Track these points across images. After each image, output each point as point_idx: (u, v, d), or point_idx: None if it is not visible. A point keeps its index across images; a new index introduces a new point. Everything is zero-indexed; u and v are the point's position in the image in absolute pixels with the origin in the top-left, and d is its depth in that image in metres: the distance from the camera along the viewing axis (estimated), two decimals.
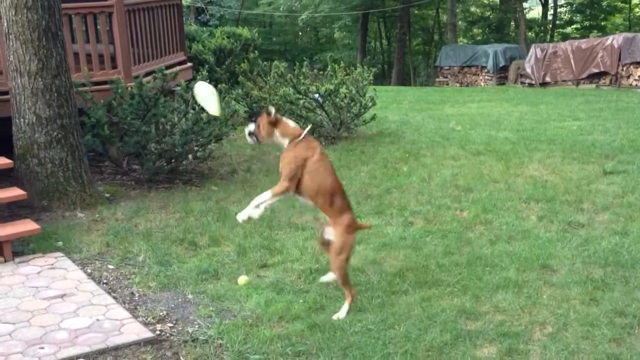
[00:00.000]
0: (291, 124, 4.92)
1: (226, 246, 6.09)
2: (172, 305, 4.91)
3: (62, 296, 4.89)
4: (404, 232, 6.37)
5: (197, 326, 4.57)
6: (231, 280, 5.33)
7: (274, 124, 4.81)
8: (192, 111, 8.13)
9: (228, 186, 8.17)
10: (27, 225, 5.80)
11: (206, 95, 5.03)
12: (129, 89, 8.06)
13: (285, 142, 4.85)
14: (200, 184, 8.25)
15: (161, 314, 4.75)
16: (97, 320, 4.52)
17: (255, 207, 4.86)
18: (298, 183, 4.79)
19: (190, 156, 8.44)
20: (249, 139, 4.96)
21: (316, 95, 10.74)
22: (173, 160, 8.18)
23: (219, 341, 4.35)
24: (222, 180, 8.47)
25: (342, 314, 4.70)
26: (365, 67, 11.60)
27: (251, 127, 4.91)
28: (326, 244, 4.93)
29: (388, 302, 4.91)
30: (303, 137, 4.81)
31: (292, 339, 4.36)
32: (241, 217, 4.89)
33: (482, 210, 6.90)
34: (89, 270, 5.49)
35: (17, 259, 5.58)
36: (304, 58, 12.98)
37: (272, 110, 4.82)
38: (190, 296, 5.07)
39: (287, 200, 7.45)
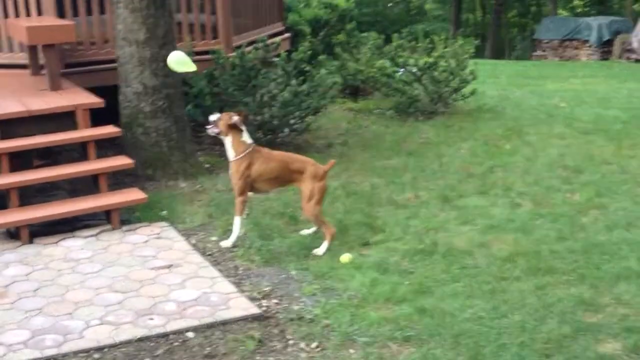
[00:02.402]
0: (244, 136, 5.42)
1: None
2: (276, 281, 4.86)
3: (169, 267, 4.92)
4: (511, 214, 6.11)
5: (302, 304, 4.50)
6: (333, 257, 5.23)
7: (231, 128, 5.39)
8: (292, 82, 8.03)
9: (325, 160, 7.95)
10: (134, 194, 5.87)
11: (177, 59, 5.36)
12: (230, 59, 8.04)
13: (231, 153, 5.42)
14: None
15: (266, 289, 4.71)
16: (204, 293, 4.52)
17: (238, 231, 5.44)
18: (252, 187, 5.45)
19: (287, 129, 8.37)
20: (209, 129, 5.50)
21: (402, 70, 10.48)
22: (271, 133, 8.13)
23: (326, 321, 4.27)
24: (319, 154, 8.35)
25: (320, 250, 5.24)
26: (466, 39, 11.19)
27: (215, 116, 5.48)
28: None
29: (499, 288, 4.69)
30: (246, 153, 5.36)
31: (400, 323, 4.23)
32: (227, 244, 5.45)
33: (595, 194, 6.53)
34: (193, 242, 5.51)
35: (124, 227, 5.66)
36: (400, 30, 12.64)
37: (235, 118, 5.38)
38: (293, 272, 5.00)
39: (387, 175, 7.34)
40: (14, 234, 5.49)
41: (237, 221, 5.40)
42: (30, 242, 5.36)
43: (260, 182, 5.40)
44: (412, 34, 12.89)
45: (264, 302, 4.51)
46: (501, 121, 9.98)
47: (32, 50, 7.47)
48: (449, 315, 4.31)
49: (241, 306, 4.34)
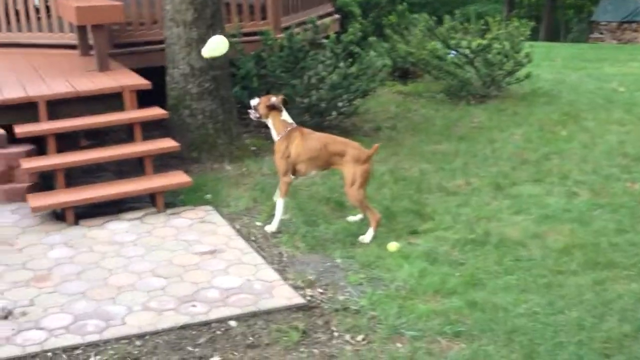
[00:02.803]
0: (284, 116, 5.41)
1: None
2: (321, 269, 4.73)
3: (212, 252, 4.84)
4: (567, 204, 5.84)
5: (347, 294, 4.36)
6: (380, 245, 5.07)
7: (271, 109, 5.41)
8: (341, 64, 7.85)
9: (373, 144, 7.84)
10: (179, 177, 5.80)
11: (213, 45, 5.42)
12: (279, 40, 7.90)
13: (274, 134, 5.42)
14: None
15: (310, 277, 4.58)
16: (248, 280, 4.41)
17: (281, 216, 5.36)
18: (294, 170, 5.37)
19: (334, 112, 8.19)
20: (251, 113, 5.52)
21: (454, 52, 10.18)
22: (318, 115, 7.98)
23: (372, 312, 4.12)
24: (366, 138, 8.16)
25: (367, 237, 5.13)
26: (521, 21, 10.82)
27: (255, 100, 5.51)
28: None
29: (555, 282, 4.47)
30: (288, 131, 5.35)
31: (450, 317, 4.06)
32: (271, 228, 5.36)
33: None
34: (237, 226, 5.41)
35: (168, 210, 5.60)
36: (452, 11, 12.28)
37: (273, 99, 5.42)
38: (338, 260, 4.87)
39: (436, 161, 7.13)
40: (59, 215, 5.48)
41: (280, 204, 5.32)
42: (76, 223, 5.34)
43: (300, 163, 5.30)
44: (464, 15, 12.54)
45: (309, 291, 4.38)
46: (557, 106, 9.62)
47: (82, 30, 7.47)
48: (502, 310, 4.12)
49: (285, 295, 4.23)
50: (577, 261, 4.74)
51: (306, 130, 5.44)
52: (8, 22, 8.25)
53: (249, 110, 5.52)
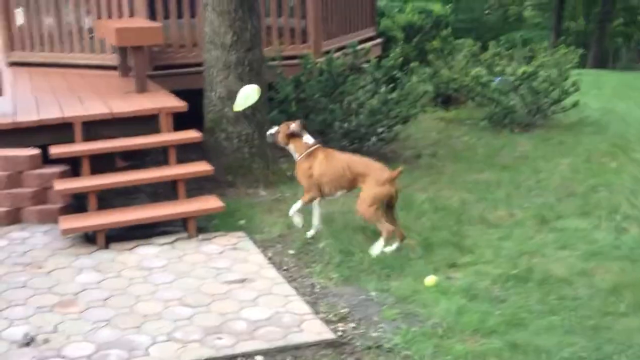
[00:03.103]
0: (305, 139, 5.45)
1: (411, 239, 5.61)
2: (354, 303, 4.53)
3: (242, 281, 4.69)
4: (616, 240, 5.55)
5: (381, 330, 4.15)
6: (417, 279, 4.86)
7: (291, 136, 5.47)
8: (381, 90, 7.70)
9: (413, 171, 7.66)
10: (211, 203, 5.69)
11: (243, 95, 5.54)
12: (318, 64, 7.79)
13: (295, 155, 5.52)
14: None
15: (342, 311, 4.39)
16: (277, 312, 4.24)
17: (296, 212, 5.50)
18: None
19: (374, 137, 8.03)
20: (268, 138, 5.67)
21: (498, 79, 9.94)
22: (357, 141, 7.83)
23: (406, 352, 3.91)
24: (406, 165, 7.95)
25: (376, 249, 5.08)
26: (570, 48, 10.54)
27: (273, 129, 5.58)
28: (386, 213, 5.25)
29: (602, 324, 4.20)
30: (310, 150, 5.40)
31: (489, 359, 3.82)
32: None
33: None
34: (269, 254, 5.26)
35: (200, 236, 5.48)
36: (498, 38, 12.08)
37: (292, 126, 5.46)
38: (373, 293, 4.67)
39: (478, 191, 6.89)
40: (91, 237, 5.40)
41: (299, 203, 5.48)
42: (106, 247, 5.26)
43: (324, 184, 5.33)
44: (509, 41, 12.31)
45: (340, 326, 4.19)
46: (605, 136, 9.30)
47: (122, 51, 7.47)
48: (545, 353, 3.87)
49: (315, 330, 4.04)
50: (626, 302, 4.46)
51: (330, 150, 5.49)
52: (51, 42, 8.32)
53: (268, 137, 5.64)
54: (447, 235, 5.65)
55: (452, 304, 4.43)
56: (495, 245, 5.45)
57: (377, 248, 5.13)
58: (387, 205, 5.26)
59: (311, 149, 5.40)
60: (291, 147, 5.50)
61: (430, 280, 4.78)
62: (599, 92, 14.84)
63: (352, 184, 5.31)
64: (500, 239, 5.60)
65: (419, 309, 4.42)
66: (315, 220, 5.55)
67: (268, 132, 5.61)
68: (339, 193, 5.42)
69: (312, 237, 5.49)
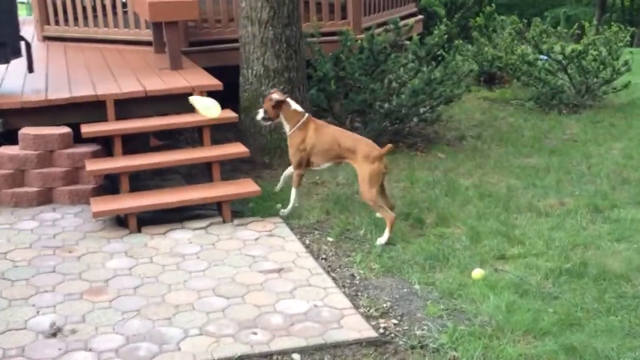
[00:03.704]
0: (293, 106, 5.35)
1: (456, 227, 5.33)
2: (397, 296, 4.27)
3: (279, 271, 4.46)
4: None
5: (425, 328, 3.89)
6: (463, 271, 4.58)
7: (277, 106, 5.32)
8: (424, 69, 7.36)
9: (456, 154, 7.36)
10: (247, 186, 5.44)
11: (205, 104, 5.63)
12: (359, 41, 7.47)
13: (287, 127, 5.39)
14: (425, 149, 7.52)
15: (384, 305, 4.14)
16: (315, 306, 4.00)
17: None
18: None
19: (415, 118, 7.70)
20: (263, 124, 5.55)
21: (545, 57, 9.50)
22: (397, 122, 7.52)
23: (453, 352, 3.64)
24: (450, 147, 7.67)
25: (383, 239, 4.94)
26: (621, 26, 10.02)
27: (260, 113, 5.42)
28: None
29: None
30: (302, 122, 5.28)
31: None
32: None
33: None
34: (307, 242, 5.02)
35: (235, 221, 5.26)
36: (542, 14, 11.58)
37: (274, 95, 5.34)
38: (416, 286, 4.40)
39: (526, 176, 6.55)
40: (122, 220, 5.22)
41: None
42: (138, 230, 5.07)
43: (314, 155, 5.29)
44: (554, 17, 11.82)
45: (382, 322, 3.93)
46: None
47: (156, 27, 7.25)
48: (604, 358, 3.57)
49: (355, 326, 3.79)
50: None
51: (319, 122, 5.44)
52: (85, 17, 8.15)
53: (262, 122, 5.49)
54: (495, 224, 5.35)
55: (502, 300, 4.14)
56: (546, 236, 5.12)
57: (384, 238, 4.97)
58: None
59: (303, 119, 5.29)
60: (282, 119, 5.36)
61: (477, 273, 4.50)
62: None
63: (340, 157, 5.27)
64: (551, 229, 5.27)
65: (465, 305, 4.14)
66: (293, 197, 5.44)
67: (257, 117, 5.45)
68: (327, 165, 5.39)
69: (286, 215, 5.40)
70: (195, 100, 5.70)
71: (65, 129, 5.66)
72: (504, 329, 3.86)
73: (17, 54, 6.10)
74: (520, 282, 4.40)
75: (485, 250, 4.90)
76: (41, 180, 5.53)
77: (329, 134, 5.26)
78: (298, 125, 5.29)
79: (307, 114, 5.38)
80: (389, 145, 5.13)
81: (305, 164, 5.34)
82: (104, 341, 3.62)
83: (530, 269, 4.61)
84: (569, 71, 9.43)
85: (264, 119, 5.42)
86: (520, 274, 4.53)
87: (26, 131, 5.59)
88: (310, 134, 5.25)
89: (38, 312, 3.91)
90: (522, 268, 4.64)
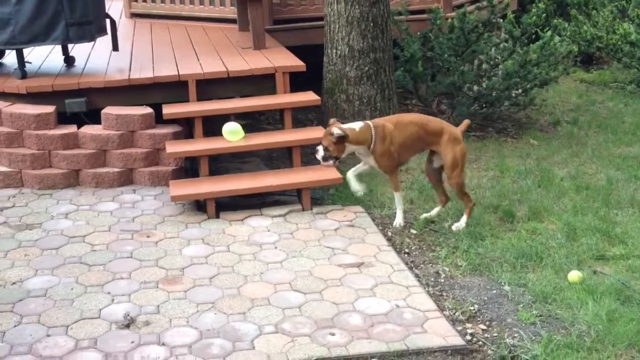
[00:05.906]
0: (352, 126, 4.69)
1: (551, 222, 4.97)
2: (485, 298, 3.98)
3: (359, 265, 4.24)
4: None
5: (517, 336, 3.59)
6: (558, 272, 4.24)
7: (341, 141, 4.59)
8: (519, 50, 6.92)
9: (550, 141, 6.92)
10: (328, 173, 5.22)
11: (230, 129, 5.32)
12: (449, 20, 7.10)
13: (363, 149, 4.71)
14: (516, 135, 7.11)
15: (472, 308, 3.86)
16: (397, 306, 3.77)
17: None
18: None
19: (506, 102, 7.28)
20: (324, 164, 4.81)
21: None
22: (486, 106, 7.13)
23: None
24: (543, 133, 7.23)
25: (460, 224, 4.75)
26: None
27: (320, 152, 4.67)
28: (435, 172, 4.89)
29: None
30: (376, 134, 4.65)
31: None
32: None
33: None
34: (389, 234, 4.78)
35: (315, 209, 5.07)
36: None
37: (334, 130, 4.56)
38: (507, 288, 4.10)
39: (627, 167, 6.07)
40: (201, 204, 5.12)
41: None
42: (217, 216, 4.95)
43: (401, 153, 4.79)
44: None
45: (469, 327, 3.67)
46: None
47: (241, 4, 7.10)
48: None
49: (440, 331, 3.54)
50: None
51: (389, 118, 4.93)
52: None
53: (322, 162, 4.75)
54: (593, 220, 4.95)
55: (602, 307, 3.79)
56: None
57: (462, 223, 4.80)
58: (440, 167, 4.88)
59: (371, 128, 4.64)
60: (354, 148, 4.68)
61: (574, 275, 4.15)
62: None
63: (425, 145, 4.83)
64: None
65: (561, 311, 3.81)
66: (399, 204, 4.93)
67: (318, 156, 4.68)
68: (411, 159, 5.05)
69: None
70: (225, 131, 5.36)
71: (147, 110, 5.60)
72: (604, 340, 3.52)
73: (102, 31, 6.08)
74: (623, 287, 4.03)
75: (582, 250, 4.53)
76: (122, 160, 5.50)
77: (410, 124, 4.77)
78: (373, 136, 4.64)
79: (367, 122, 4.75)
80: (467, 121, 4.90)
81: (398, 165, 4.86)
82: (178, 335, 3.51)
83: (633, 272, 4.23)
84: None
85: (324, 158, 4.65)
86: (622, 277, 4.15)
87: (109, 111, 5.56)
88: (393, 134, 4.67)
89: (113, 300, 3.84)
90: (624, 271, 4.26)
